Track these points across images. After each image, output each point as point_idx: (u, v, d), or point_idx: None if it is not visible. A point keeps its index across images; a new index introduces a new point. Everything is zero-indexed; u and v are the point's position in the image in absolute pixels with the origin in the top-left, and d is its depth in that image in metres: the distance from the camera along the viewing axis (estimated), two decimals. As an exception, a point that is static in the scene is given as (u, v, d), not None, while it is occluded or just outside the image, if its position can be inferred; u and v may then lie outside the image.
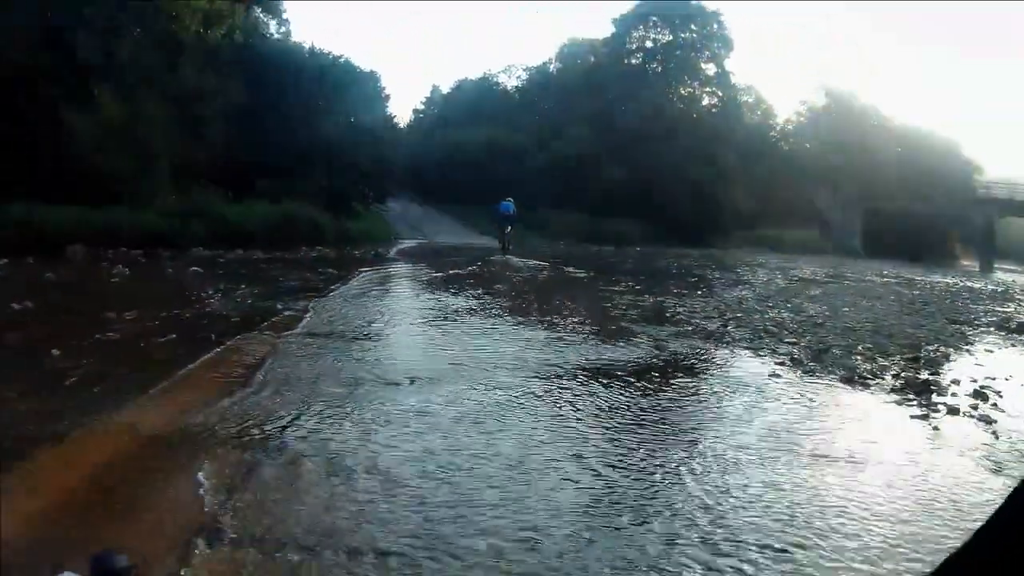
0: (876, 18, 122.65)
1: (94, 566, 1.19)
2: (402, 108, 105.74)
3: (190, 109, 26.16)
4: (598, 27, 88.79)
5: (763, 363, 8.98)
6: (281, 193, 27.41)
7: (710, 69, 52.20)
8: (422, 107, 71.20)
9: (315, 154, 30.64)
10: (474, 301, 12.63)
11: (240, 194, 26.33)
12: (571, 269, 22.10)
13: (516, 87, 63.75)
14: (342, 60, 34.16)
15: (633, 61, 52.21)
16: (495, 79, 64.82)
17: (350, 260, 21.17)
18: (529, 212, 39.15)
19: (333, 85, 32.33)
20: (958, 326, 13.27)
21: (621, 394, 7.13)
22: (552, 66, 59.83)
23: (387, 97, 36.44)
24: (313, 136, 30.46)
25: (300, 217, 26.21)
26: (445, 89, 68.36)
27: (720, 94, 52.24)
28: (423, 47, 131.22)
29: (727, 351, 9.72)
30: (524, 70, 63.50)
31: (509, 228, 27.27)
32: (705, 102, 52.41)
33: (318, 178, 31.01)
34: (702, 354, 9.39)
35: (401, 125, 56.85)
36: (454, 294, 13.49)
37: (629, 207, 43.60)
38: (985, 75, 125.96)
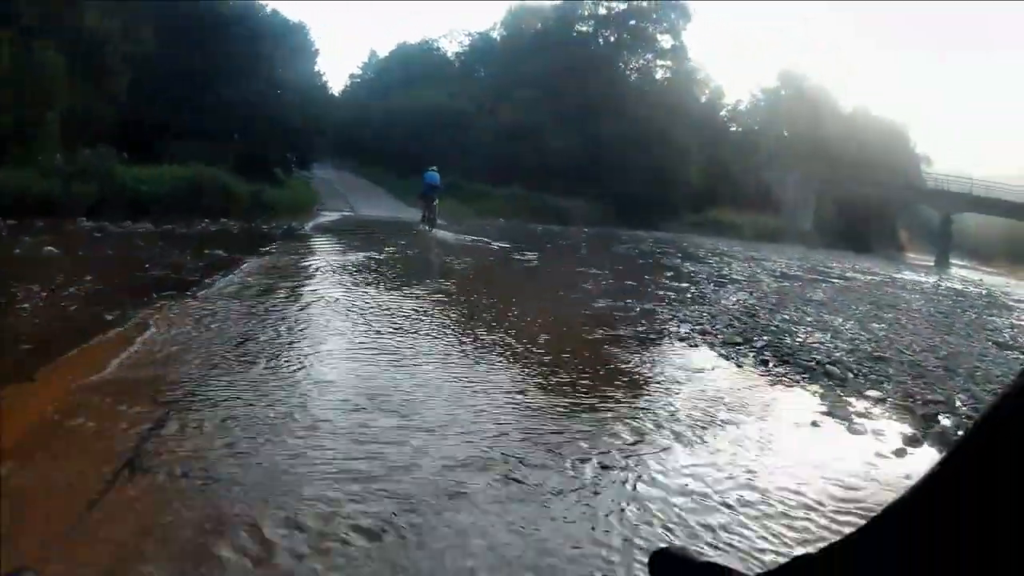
0: (832, 6, 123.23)
1: None
2: (338, 75, 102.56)
3: (90, 55, 23.03)
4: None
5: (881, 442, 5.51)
6: (195, 156, 24.42)
7: (666, 41, 50.23)
8: (359, 72, 68.85)
9: (234, 113, 27.75)
10: (394, 305, 9.50)
11: (148, 157, 23.16)
12: (518, 256, 19.29)
13: (458, 53, 61.14)
14: (267, 8, 31.10)
15: (584, 28, 49.89)
16: (436, 44, 62.22)
17: (253, 237, 18.10)
18: (466, 184, 37.79)
19: (255, 35, 29.11)
20: (1010, 352, 10.86)
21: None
22: (496, 32, 57.07)
23: (316, 52, 33.45)
24: (232, 92, 27.55)
25: (207, 183, 23.03)
26: (383, 55, 66.00)
27: (675, 67, 50.07)
28: (361, 10, 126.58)
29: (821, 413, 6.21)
30: (467, 35, 60.95)
31: (436, 200, 24.87)
32: (659, 75, 50.24)
33: (237, 140, 28.22)
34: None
35: (336, 92, 55.51)
36: (368, 295, 10.14)
37: (573, 183, 41.33)
38: (932, 71, 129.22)
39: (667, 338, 9.13)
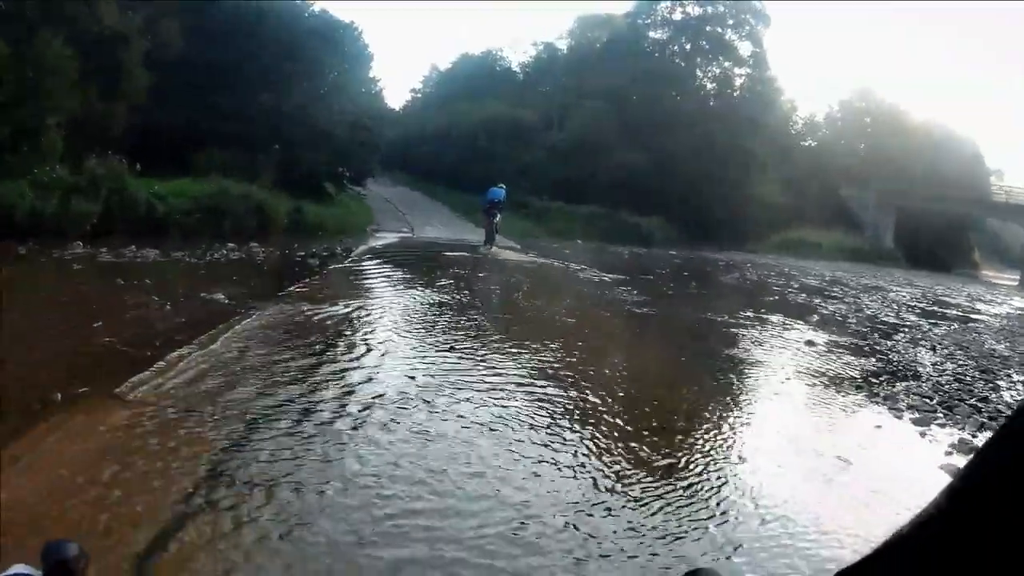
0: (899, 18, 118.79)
1: (45, 556, 1.06)
2: (399, 92, 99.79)
3: (107, 55, 19.57)
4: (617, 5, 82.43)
5: None
6: (229, 169, 21.17)
7: (744, 48, 45.94)
8: (419, 87, 64.64)
9: (275, 121, 24.30)
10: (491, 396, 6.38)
11: (173, 169, 19.73)
12: (624, 295, 15.63)
13: (522, 64, 57.61)
14: (313, 7, 27.70)
15: (657, 35, 45.96)
16: (499, 55, 58.63)
17: (281, 269, 14.74)
18: (535, 202, 35.41)
19: (299, 35, 25.50)
20: None
21: None
22: (563, 42, 53.58)
23: (370, 56, 29.81)
24: (272, 98, 24.10)
25: (235, 200, 19.47)
26: (445, 68, 62.02)
27: (754, 76, 45.66)
28: (421, 25, 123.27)
29: None
30: (532, 45, 57.27)
31: (498, 217, 22.84)
32: (737, 84, 45.92)
33: (278, 151, 24.78)
34: None
35: (397, 108, 54.09)
36: (444, 389, 6.59)
37: (648, 201, 37.81)
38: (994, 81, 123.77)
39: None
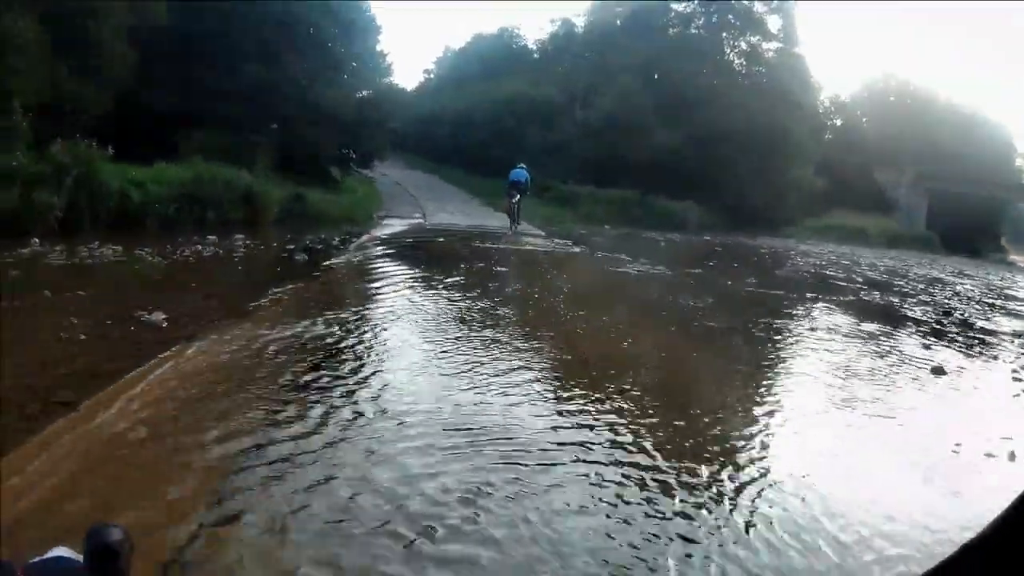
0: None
1: (89, 540, 1.07)
2: (413, 73, 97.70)
3: (75, 29, 17.29)
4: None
5: None
6: (219, 151, 18.97)
7: (774, 22, 42.96)
8: (433, 67, 62.08)
9: (272, 98, 22.05)
10: None
11: (156, 153, 17.46)
12: (676, 289, 14.03)
13: (540, 40, 54.94)
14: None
15: (682, 7, 43.47)
16: (515, 32, 56.33)
17: (260, 268, 12.44)
18: (561, 186, 33.41)
19: (300, 3, 22.95)
20: None
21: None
22: (582, 18, 50.05)
23: (379, 28, 27.35)
24: (270, 73, 21.79)
25: (220, 187, 17.13)
26: (458, 48, 59.65)
27: (785, 51, 42.74)
28: (434, 7, 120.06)
29: None
30: (550, 22, 54.84)
31: (518, 197, 22.42)
32: (767, 59, 42.95)
33: (276, 131, 22.55)
34: None
35: (410, 89, 52.48)
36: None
37: (681, 183, 35.32)
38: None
39: None
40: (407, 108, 42.42)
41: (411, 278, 12.20)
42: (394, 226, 21.38)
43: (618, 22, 44.01)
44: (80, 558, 1.07)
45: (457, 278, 12.41)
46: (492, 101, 41.98)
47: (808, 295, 15.58)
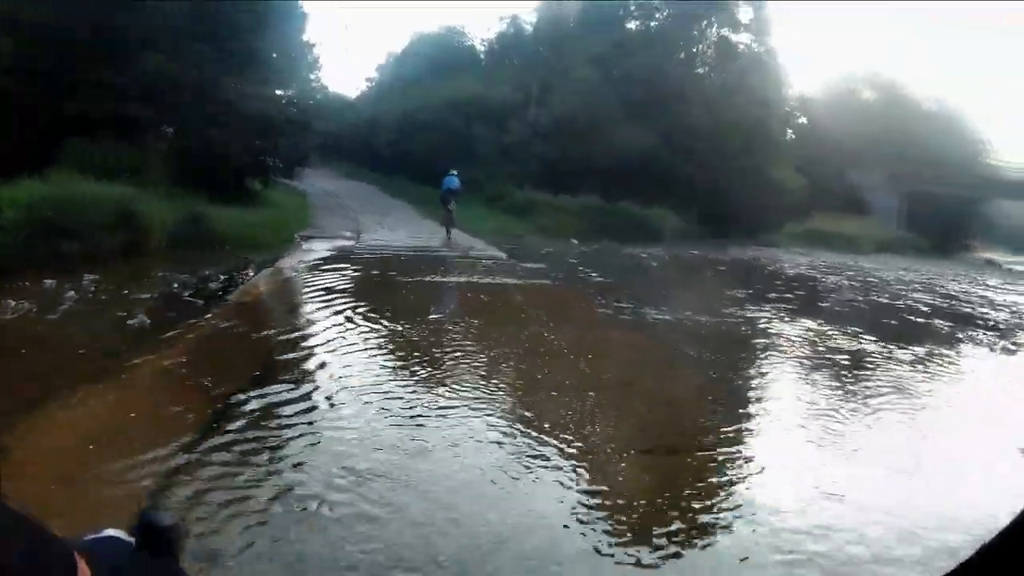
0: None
1: (140, 523, 1.03)
2: (353, 83, 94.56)
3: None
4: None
5: None
6: (105, 163, 15.17)
7: (744, 13, 39.60)
8: (375, 76, 57.97)
9: (169, 96, 17.81)
10: None
11: (35, 166, 13.36)
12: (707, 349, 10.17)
13: (487, 40, 51.41)
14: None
15: (644, -2, 39.59)
16: (460, 30, 52.64)
17: (64, 348, 7.23)
18: (515, 193, 30.57)
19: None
20: None
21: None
22: (531, 14, 47.07)
23: (303, 16, 23.27)
24: (167, 65, 17.57)
25: (85, 208, 12.68)
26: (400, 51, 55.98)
27: (757, 46, 39.49)
28: (374, 10, 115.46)
29: None
30: (500, 19, 52.69)
31: (452, 204, 22.31)
32: (739, 52, 39.47)
33: (174, 137, 18.38)
34: None
35: (351, 98, 51.21)
36: None
37: (651, 189, 31.85)
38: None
39: None
40: (346, 115, 41.60)
41: (301, 356, 7.66)
42: (316, 251, 16.84)
43: (571, 21, 40.58)
44: (131, 540, 1.00)
45: (383, 341, 8.50)
46: (436, 102, 38.38)
47: (891, 332, 12.14)
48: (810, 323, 12.26)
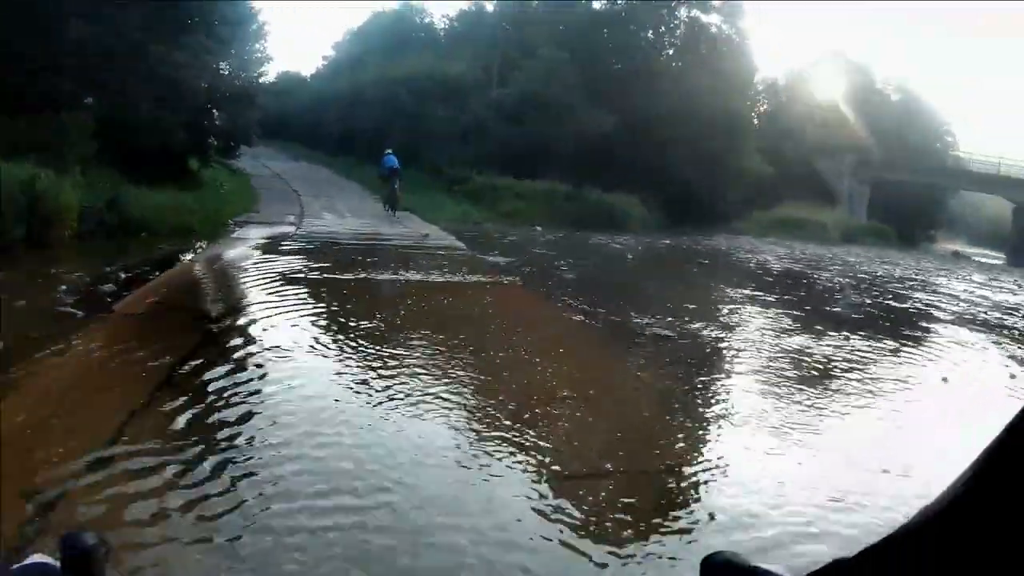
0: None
1: (64, 546, 1.02)
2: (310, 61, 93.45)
3: None
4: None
5: None
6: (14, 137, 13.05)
7: (716, -7, 37.89)
8: (332, 54, 56.67)
9: (92, 65, 15.80)
10: None
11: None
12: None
13: (448, 17, 50.53)
14: None
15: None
16: (419, 8, 51.78)
17: None
18: (476, 178, 28.72)
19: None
20: None
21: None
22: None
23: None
24: (89, 30, 15.53)
25: None
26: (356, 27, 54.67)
27: (727, 26, 37.94)
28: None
29: None
30: None
31: (397, 184, 21.77)
32: (710, 33, 37.91)
33: (96, 108, 16.26)
34: None
35: (307, 76, 51.29)
36: None
37: (616, 174, 30.14)
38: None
39: None
40: (299, 93, 41.73)
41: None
42: (250, 239, 14.84)
43: (533, 2, 39.03)
44: (57, 564, 0.98)
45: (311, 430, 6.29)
46: (389, 79, 36.76)
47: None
48: (860, 343, 10.09)
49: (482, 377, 6.64)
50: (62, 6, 15.18)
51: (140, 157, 16.80)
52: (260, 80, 23.73)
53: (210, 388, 5.58)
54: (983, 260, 41.79)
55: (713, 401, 6.73)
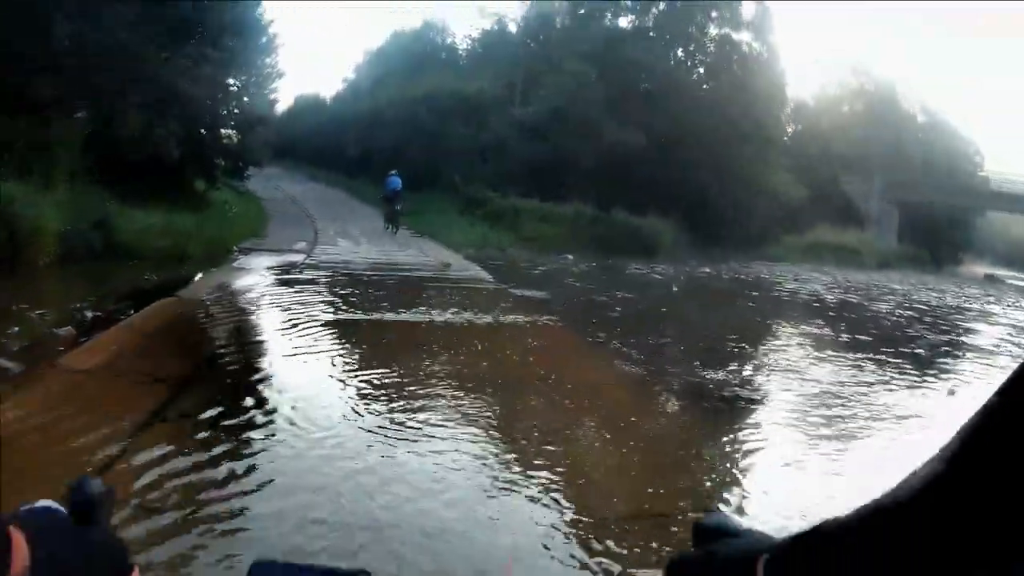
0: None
1: (71, 493, 0.95)
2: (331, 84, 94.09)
3: None
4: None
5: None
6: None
7: (747, 9, 36.95)
8: (352, 76, 54.85)
9: (83, 68, 14.41)
10: None
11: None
12: None
13: (470, 37, 48.89)
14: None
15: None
16: (441, 26, 50.19)
17: None
18: (497, 200, 27.50)
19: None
20: None
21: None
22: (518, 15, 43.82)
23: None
24: (90, 37, 14.22)
25: None
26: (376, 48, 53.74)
27: (759, 44, 36.73)
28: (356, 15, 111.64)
29: None
30: (482, 16, 49.82)
31: (399, 205, 22.72)
32: (742, 52, 36.71)
33: (90, 120, 14.94)
34: None
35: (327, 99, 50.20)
36: None
37: (643, 195, 28.94)
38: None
39: None
40: (319, 115, 41.11)
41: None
42: (252, 269, 13.21)
43: (562, 13, 37.89)
44: (65, 510, 0.91)
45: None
46: (408, 99, 35.68)
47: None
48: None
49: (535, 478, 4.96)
50: (47, 3, 13.93)
51: (136, 175, 15.45)
52: (272, 97, 22.39)
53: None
54: (1018, 283, 41.10)
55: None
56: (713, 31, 36.47)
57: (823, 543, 0.64)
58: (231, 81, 19.68)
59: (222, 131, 19.36)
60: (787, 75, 38.86)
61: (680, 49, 35.68)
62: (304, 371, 6.94)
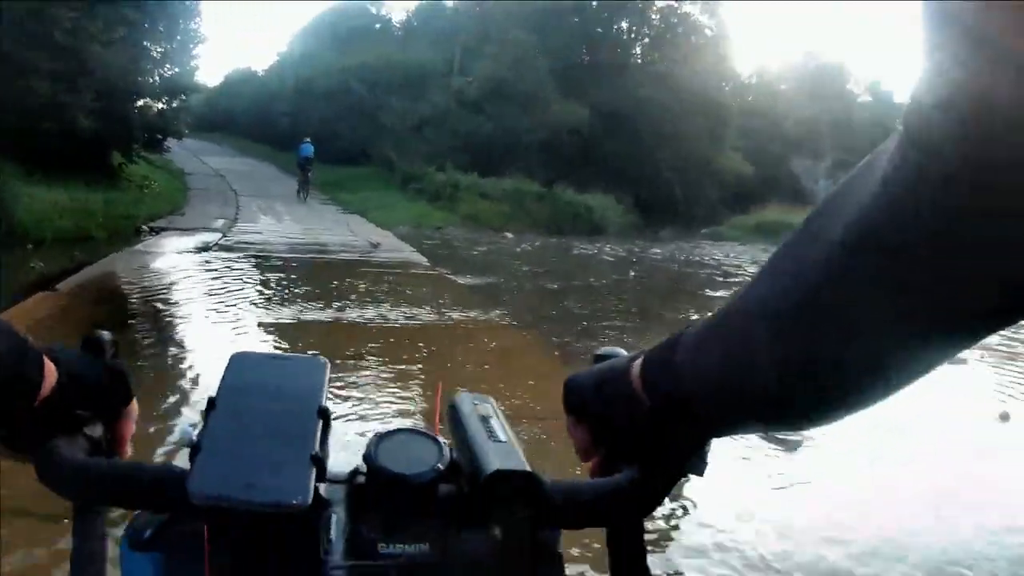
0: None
1: (84, 340, 0.94)
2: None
3: None
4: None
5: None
6: None
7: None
8: (285, 49, 53.31)
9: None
10: None
11: None
12: None
13: (406, 9, 49.13)
14: None
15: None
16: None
17: None
18: (435, 176, 26.53)
19: None
20: None
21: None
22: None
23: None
24: None
25: None
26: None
27: (707, 19, 37.07)
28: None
29: None
30: None
31: (310, 172, 23.61)
32: (689, 22, 36.80)
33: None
34: None
35: (260, 72, 49.61)
36: None
37: (588, 172, 28.66)
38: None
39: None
40: (249, 88, 40.62)
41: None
42: (159, 252, 12.00)
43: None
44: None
45: None
46: (339, 69, 35.22)
47: None
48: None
49: None
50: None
51: (44, 148, 14.25)
52: (193, 64, 21.04)
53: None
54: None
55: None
56: (658, 2, 36.06)
57: (693, 339, 0.64)
58: (148, 44, 18.42)
59: (140, 101, 18.06)
60: (745, 56, 38.90)
61: (625, 20, 35.07)
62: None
